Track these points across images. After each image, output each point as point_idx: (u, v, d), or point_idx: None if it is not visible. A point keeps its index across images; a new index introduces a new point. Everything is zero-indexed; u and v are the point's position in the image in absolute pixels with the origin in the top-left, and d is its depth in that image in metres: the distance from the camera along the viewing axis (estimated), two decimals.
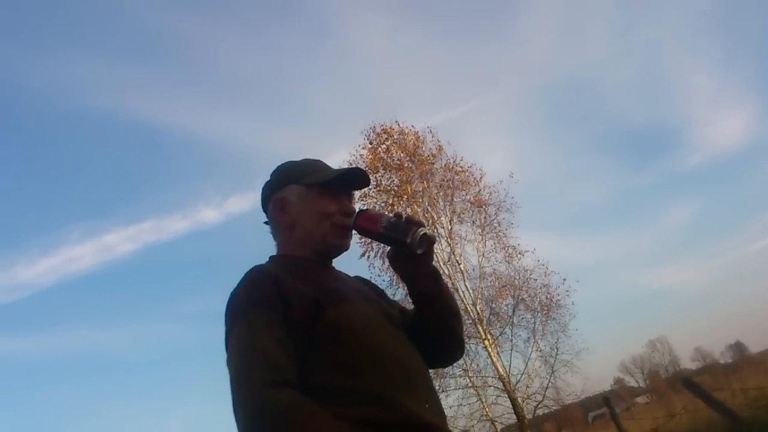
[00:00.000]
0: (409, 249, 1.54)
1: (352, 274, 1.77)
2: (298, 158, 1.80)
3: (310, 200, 1.66)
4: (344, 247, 1.70)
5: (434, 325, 1.67)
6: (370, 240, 14.49)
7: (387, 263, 14.43)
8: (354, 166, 1.97)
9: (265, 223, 1.77)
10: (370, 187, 14.83)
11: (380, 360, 1.44)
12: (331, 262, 1.72)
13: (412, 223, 1.55)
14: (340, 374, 1.39)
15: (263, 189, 1.76)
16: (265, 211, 1.76)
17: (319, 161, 1.77)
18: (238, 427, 1.30)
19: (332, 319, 1.44)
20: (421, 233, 1.54)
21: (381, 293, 1.77)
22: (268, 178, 1.77)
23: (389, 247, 1.66)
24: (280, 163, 1.78)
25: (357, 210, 1.67)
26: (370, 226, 1.61)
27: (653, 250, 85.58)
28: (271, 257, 1.69)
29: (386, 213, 1.64)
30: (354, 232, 1.66)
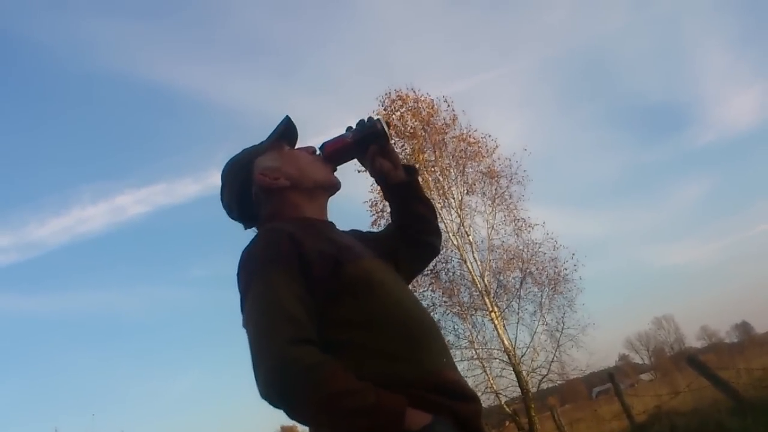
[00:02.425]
0: (383, 135, 1.67)
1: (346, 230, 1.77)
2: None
3: (285, 156, 1.68)
4: (339, 184, 1.72)
5: (410, 216, 1.78)
6: (381, 208, 14.50)
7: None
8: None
9: (246, 224, 1.70)
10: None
11: (398, 316, 1.43)
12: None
13: (369, 119, 1.69)
14: (360, 330, 1.38)
15: (230, 188, 1.69)
16: (238, 213, 1.69)
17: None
18: (259, 385, 1.28)
19: (351, 275, 1.42)
20: (383, 119, 1.69)
21: (368, 236, 1.78)
22: (226, 179, 1.70)
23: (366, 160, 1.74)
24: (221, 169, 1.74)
25: (318, 146, 1.73)
26: (339, 145, 1.69)
27: (663, 227, 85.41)
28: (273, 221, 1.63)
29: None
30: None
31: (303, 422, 1.33)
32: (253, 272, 1.42)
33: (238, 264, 1.47)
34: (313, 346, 1.30)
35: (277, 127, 1.71)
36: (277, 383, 1.26)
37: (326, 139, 1.72)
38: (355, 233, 1.76)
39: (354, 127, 1.70)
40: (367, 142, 1.70)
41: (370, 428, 1.22)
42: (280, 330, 1.30)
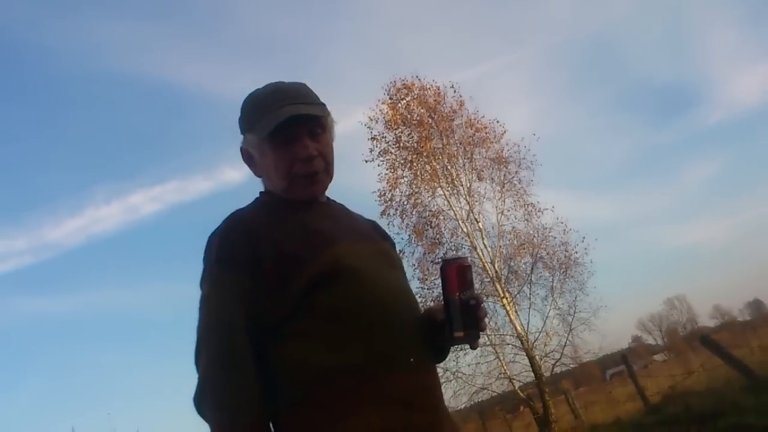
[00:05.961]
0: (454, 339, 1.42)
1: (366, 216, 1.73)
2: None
3: (266, 154, 1.55)
4: (315, 194, 1.58)
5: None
6: (389, 198, 14.52)
7: (406, 221, 14.70)
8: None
9: None
10: (389, 143, 14.79)
11: (364, 305, 1.38)
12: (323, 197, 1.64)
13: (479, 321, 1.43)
14: (320, 319, 1.36)
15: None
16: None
17: (277, 91, 1.57)
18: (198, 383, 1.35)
19: (315, 267, 1.38)
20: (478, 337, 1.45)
21: (385, 237, 1.71)
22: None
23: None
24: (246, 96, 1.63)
25: (453, 257, 1.50)
26: (450, 282, 1.42)
27: (674, 208, 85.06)
28: (258, 196, 1.62)
29: (473, 276, 1.47)
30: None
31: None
32: (207, 265, 1.46)
33: (205, 245, 1.49)
34: (244, 364, 1.32)
35: (278, 113, 1.50)
36: (203, 394, 1.33)
37: (461, 260, 1.46)
38: (369, 222, 1.71)
39: (477, 305, 1.42)
40: (448, 312, 1.41)
41: None
42: (216, 338, 1.34)
